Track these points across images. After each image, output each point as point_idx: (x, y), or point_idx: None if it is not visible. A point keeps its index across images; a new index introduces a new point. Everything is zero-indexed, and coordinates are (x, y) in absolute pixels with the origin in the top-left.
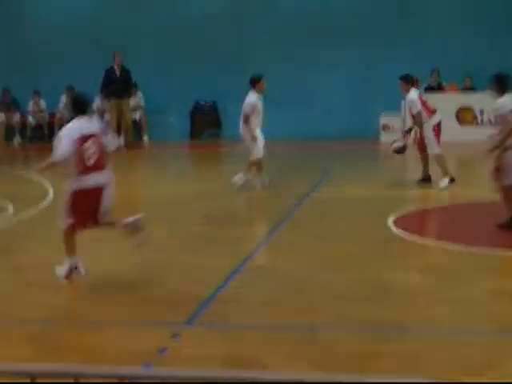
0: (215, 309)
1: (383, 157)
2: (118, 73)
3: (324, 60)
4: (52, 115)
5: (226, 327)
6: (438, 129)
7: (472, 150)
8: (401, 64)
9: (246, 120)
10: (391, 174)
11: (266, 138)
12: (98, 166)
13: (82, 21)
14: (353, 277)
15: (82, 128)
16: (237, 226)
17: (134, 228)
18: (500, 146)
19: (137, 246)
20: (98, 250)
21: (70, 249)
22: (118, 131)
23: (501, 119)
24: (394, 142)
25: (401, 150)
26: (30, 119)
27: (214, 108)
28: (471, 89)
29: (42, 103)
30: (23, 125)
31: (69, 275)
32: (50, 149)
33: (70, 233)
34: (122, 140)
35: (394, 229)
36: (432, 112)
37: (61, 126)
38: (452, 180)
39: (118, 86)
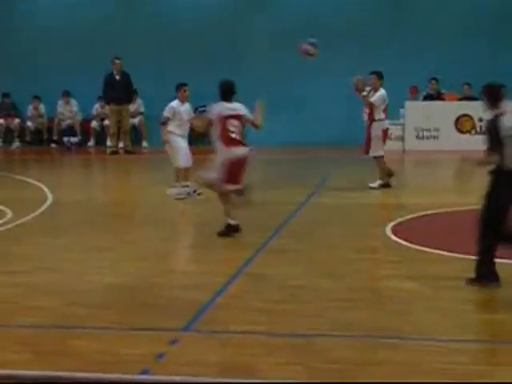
0: (213, 315)
1: None
2: (117, 78)
3: (322, 67)
4: (51, 120)
5: (224, 334)
6: (385, 134)
7: (471, 158)
8: (399, 72)
9: (164, 122)
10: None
11: (262, 144)
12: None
13: (82, 27)
14: (350, 284)
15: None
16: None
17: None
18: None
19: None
20: (97, 257)
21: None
22: (117, 136)
23: None
24: None
25: None
26: (29, 124)
27: None
28: (470, 97)
29: (42, 108)
30: (22, 129)
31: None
32: (49, 153)
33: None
34: (121, 145)
35: (391, 236)
36: (385, 117)
37: (59, 130)
38: (387, 185)
39: (118, 91)
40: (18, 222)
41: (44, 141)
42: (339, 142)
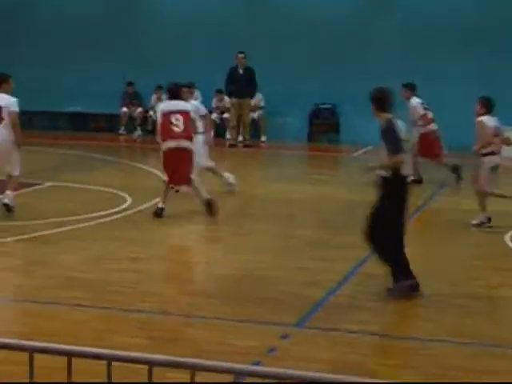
0: (325, 313)
1: (502, 171)
2: (240, 72)
3: (441, 72)
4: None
5: (336, 332)
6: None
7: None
8: None
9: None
10: (510, 188)
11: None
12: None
13: (210, 19)
14: (466, 291)
15: None
16: (352, 231)
17: None
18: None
19: None
20: (212, 248)
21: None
22: (237, 130)
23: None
24: None
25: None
26: (152, 113)
27: (332, 112)
28: None
29: (165, 98)
30: (144, 118)
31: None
32: None
33: None
34: (240, 138)
35: (510, 244)
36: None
37: None
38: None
39: (240, 85)
40: (137, 208)
41: None
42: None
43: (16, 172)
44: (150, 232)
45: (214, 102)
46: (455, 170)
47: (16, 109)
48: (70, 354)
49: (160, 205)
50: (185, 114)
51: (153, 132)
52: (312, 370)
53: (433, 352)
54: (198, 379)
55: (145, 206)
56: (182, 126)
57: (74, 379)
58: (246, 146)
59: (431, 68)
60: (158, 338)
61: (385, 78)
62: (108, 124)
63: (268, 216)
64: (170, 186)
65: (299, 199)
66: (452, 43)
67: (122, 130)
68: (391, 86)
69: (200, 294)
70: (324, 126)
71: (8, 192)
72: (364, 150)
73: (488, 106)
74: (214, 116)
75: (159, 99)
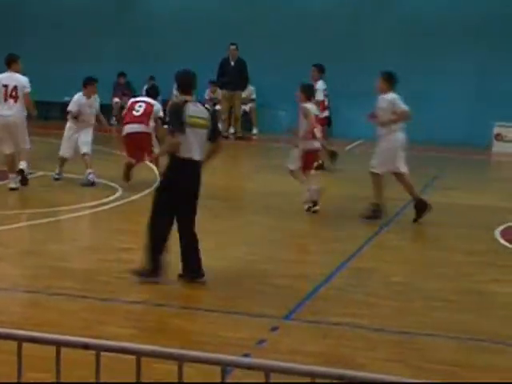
0: (315, 306)
1: (495, 166)
2: (232, 64)
3: (441, 68)
4: (165, 102)
5: (325, 325)
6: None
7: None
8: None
9: None
10: (502, 184)
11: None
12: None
13: (201, 11)
14: (456, 286)
15: None
16: (342, 224)
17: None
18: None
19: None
20: (204, 240)
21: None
22: (229, 122)
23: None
24: None
25: None
26: None
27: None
28: None
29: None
30: None
31: None
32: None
33: None
34: (231, 130)
35: (500, 240)
36: None
37: None
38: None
39: (231, 77)
40: (128, 199)
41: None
42: (457, 141)
43: (28, 145)
44: (140, 223)
45: (207, 94)
46: (333, 155)
47: (29, 88)
48: (58, 344)
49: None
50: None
51: None
52: (300, 363)
53: (421, 346)
54: (185, 370)
55: (135, 196)
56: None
57: (62, 369)
58: (237, 138)
59: (425, 64)
60: (147, 328)
61: (376, 72)
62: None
63: (258, 209)
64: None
65: (290, 192)
66: (450, 41)
67: (113, 121)
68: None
69: (189, 285)
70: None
71: (22, 162)
72: (356, 143)
73: (392, 82)
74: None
75: None
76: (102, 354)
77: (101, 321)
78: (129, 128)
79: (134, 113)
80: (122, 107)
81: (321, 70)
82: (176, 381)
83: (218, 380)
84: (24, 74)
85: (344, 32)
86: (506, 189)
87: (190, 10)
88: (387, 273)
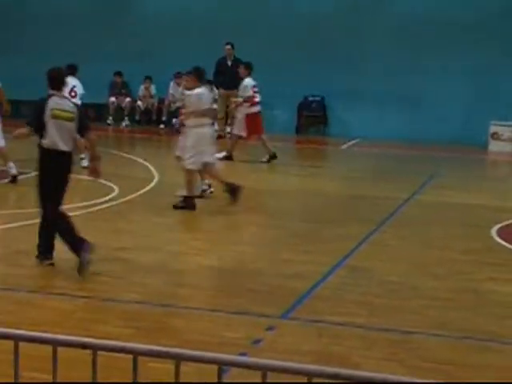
0: (311, 305)
1: (491, 165)
2: (229, 64)
3: (438, 67)
4: (161, 101)
5: (321, 324)
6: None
7: None
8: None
9: None
10: (498, 183)
11: (377, 138)
12: None
13: (197, 11)
14: (452, 284)
15: None
16: (338, 224)
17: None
18: None
19: None
20: (199, 239)
21: None
22: (225, 121)
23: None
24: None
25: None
26: (140, 103)
27: (321, 104)
28: None
29: (153, 88)
30: (132, 108)
31: None
32: (157, 134)
33: None
34: (227, 130)
35: (497, 238)
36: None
37: (169, 112)
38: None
39: (227, 77)
40: (124, 198)
41: (153, 121)
42: (454, 140)
43: (3, 143)
44: (136, 222)
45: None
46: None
47: None
48: (55, 343)
49: None
50: None
51: (140, 122)
52: (297, 362)
53: (417, 345)
54: (182, 369)
55: (132, 196)
56: None
57: (59, 368)
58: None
59: (422, 64)
60: (144, 328)
61: (373, 71)
62: (96, 114)
63: (255, 208)
64: None
65: (286, 191)
66: (447, 41)
67: (109, 120)
68: (380, 79)
69: (186, 284)
70: (312, 119)
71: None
72: (352, 142)
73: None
74: None
75: (147, 89)
76: (99, 353)
77: (97, 320)
78: None
79: None
80: (119, 106)
81: (248, 67)
82: (173, 380)
83: (215, 379)
84: (23, 74)
85: (342, 32)
86: (502, 188)
87: (187, 10)
88: (383, 272)
